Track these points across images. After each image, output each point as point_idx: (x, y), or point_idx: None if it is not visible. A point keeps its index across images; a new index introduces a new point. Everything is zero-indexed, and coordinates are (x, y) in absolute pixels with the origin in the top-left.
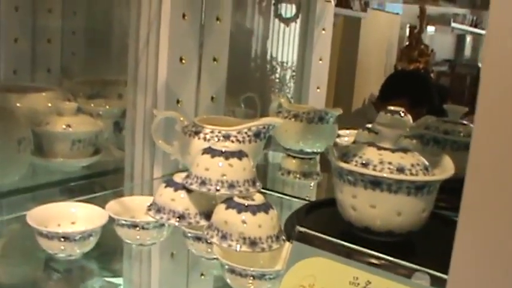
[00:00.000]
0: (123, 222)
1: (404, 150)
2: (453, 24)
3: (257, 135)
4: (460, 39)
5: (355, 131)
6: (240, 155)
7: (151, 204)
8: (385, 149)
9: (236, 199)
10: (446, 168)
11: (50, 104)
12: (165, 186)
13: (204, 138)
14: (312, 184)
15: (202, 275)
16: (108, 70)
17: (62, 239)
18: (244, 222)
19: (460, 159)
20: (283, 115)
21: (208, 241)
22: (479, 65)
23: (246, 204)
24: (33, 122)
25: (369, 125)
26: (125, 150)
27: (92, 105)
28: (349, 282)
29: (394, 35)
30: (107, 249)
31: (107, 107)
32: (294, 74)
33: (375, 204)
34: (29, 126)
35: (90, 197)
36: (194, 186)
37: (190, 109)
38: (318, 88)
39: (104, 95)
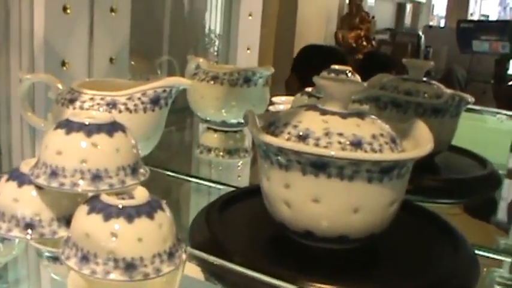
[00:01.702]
0: None
1: (360, 115)
2: None
3: (155, 101)
4: (401, 7)
5: (292, 98)
6: (111, 128)
7: None
8: (332, 113)
9: (104, 198)
10: (421, 139)
11: None
12: (7, 180)
13: (81, 108)
14: (239, 164)
15: None
16: None
17: None
18: (114, 234)
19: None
20: (199, 77)
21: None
22: (420, 33)
23: (120, 205)
24: None
25: (309, 89)
26: None
27: None
28: None
29: (334, 2)
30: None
31: None
32: (219, 32)
33: (318, 198)
34: None
35: None
36: (41, 180)
37: (81, 74)
38: (248, 49)
39: None
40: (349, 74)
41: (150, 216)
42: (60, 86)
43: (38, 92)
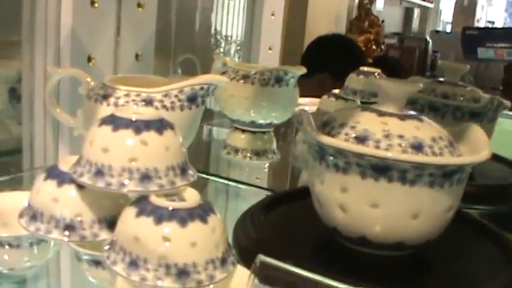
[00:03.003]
0: None
1: (417, 117)
2: None
3: (192, 99)
4: (408, 12)
5: (317, 99)
6: (160, 126)
7: (26, 207)
8: (390, 114)
9: (154, 200)
10: (477, 143)
11: None
12: (45, 179)
13: (116, 104)
14: (266, 165)
15: None
16: (15, 30)
17: None
18: (166, 239)
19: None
20: (228, 76)
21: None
22: (427, 38)
23: (171, 208)
24: None
25: (336, 91)
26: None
27: None
28: None
29: (343, 5)
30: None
31: (1, 69)
32: (242, 31)
33: (377, 202)
34: None
35: None
36: (85, 179)
37: (108, 70)
38: (270, 49)
39: (3, 56)
40: (377, 75)
41: (204, 220)
42: (91, 81)
43: (63, 88)
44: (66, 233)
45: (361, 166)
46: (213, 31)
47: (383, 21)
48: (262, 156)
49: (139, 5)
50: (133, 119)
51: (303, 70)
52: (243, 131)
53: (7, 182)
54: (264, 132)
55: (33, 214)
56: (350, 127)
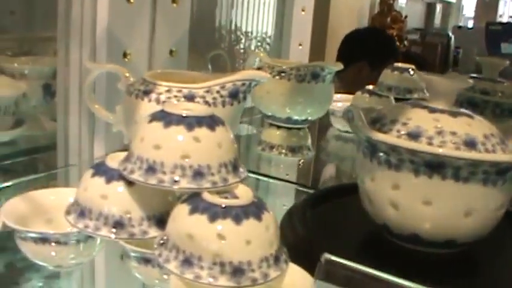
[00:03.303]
0: (28, 234)
1: (467, 114)
2: None
3: (234, 95)
4: (431, 7)
5: (349, 96)
6: (212, 122)
7: (72, 204)
8: (441, 111)
9: (207, 197)
10: None
11: None
12: (93, 175)
13: (157, 100)
14: (301, 162)
15: None
16: (47, 26)
17: None
18: (221, 236)
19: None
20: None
21: (162, 266)
22: (450, 34)
23: (223, 205)
24: None
25: (370, 87)
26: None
27: (16, 64)
28: None
29: (366, 1)
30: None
31: (35, 65)
32: (272, 27)
33: (430, 200)
34: None
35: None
36: (136, 176)
37: (142, 65)
38: (300, 45)
39: (37, 52)
40: (412, 72)
41: (258, 217)
42: (131, 77)
43: (98, 83)
44: (115, 230)
45: (415, 163)
46: (241, 27)
47: (406, 16)
48: (297, 153)
49: (174, 1)
50: (184, 115)
51: (340, 66)
52: (278, 127)
53: (43, 179)
54: (299, 129)
55: (81, 211)
56: (402, 124)
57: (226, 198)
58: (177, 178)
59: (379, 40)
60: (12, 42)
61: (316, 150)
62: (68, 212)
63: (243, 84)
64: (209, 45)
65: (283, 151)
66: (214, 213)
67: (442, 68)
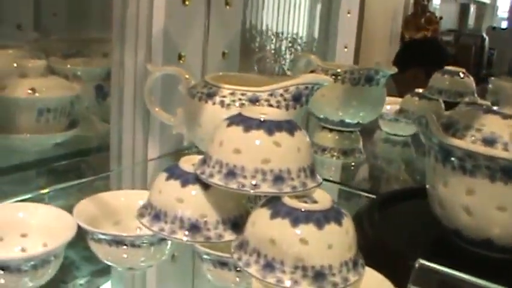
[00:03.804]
0: (101, 236)
1: None
2: None
3: (297, 98)
4: (464, 8)
5: (397, 99)
6: (291, 127)
7: (145, 207)
8: None
9: (287, 201)
10: None
11: (15, 64)
12: (167, 178)
13: (222, 104)
14: (353, 164)
15: None
16: (94, 28)
17: (1, 271)
18: (304, 241)
19: None
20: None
21: (240, 269)
22: (484, 35)
23: (303, 209)
24: None
25: (419, 90)
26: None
27: (69, 65)
28: None
29: (400, 2)
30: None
31: (88, 66)
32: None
33: (505, 206)
34: None
35: (59, 187)
36: (216, 180)
37: (196, 67)
38: (345, 47)
39: (86, 54)
40: (462, 75)
41: (338, 222)
42: (190, 79)
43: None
44: (191, 233)
45: (491, 169)
46: (285, 30)
47: (441, 18)
48: (349, 156)
49: (227, 3)
50: (262, 119)
51: (394, 70)
52: (330, 130)
53: (96, 180)
54: (351, 132)
55: (155, 214)
56: (476, 130)
57: (305, 202)
58: (257, 182)
59: (435, 51)
60: (58, 43)
61: (366, 153)
62: (141, 215)
63: (306, 88)
64: (253, 47)
65: (335, 154)
66: (296, 217)
67: (476, 70)
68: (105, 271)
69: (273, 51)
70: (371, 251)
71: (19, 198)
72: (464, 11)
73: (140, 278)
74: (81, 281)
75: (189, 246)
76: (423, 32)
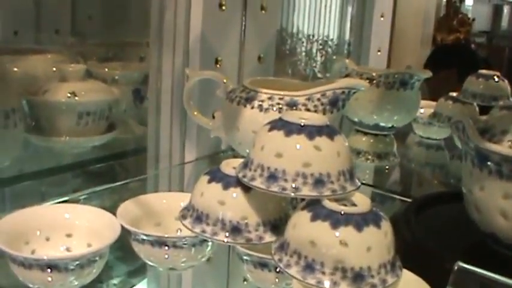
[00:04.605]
0: (144, 237)
1: None
2: None
3: (334, 103)
4: (497, 9)
5: (431, 102)
6: (331, 131)
7: (186, 209)
8: None
9: (327, 204)
10: None
11: (54, 69)
12: (209, 181)
13: (260, 108)
14: (387, 168)
15: None
16: (129, 32)
17: (48, 270)
18: (344, 243)
19: None
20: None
21: (280, 270)
22: None
23: (343, 212)
24: (28, 90)
25: (453, 93)
26: (147, 125)
27: (106, 69)
28: None
29: (431, 4)
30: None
31: (125, 70)
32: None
33: None
34: (22, 95)
35: (99, 189)
36: (257, 183)
37: (232, 72)
38: (378, 51)
39: (122, 58)
40: (496, 79)
41: (377, 224)
42: (228, 83)
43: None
44: (232, 235)
45: None
46: (316, 32)
47: (473, 19)
48: (383, 159)
49: (262, 8)
50: (302, 124)
51: (429, 74)
52: (365, 133)
53: (129, 185)
54: (385, 135)
55: (197, 216)
56: None
57: (345, 205)
58: (298, 186)
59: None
60: (95, 47)
61: (400, 156)
62: (183, 217)
63: (343, 93)
64: (284, 50)
65: (370, 157)
66: (336, 220)
67: (510, 72)
68: (138, 271)
69: (304, 54)
70: (408, 253)
71: (58, 200)
72: (497, 12)
73: (176, 279)
74: (115, 281)
75: (225, 247)
76: (455, 34)
